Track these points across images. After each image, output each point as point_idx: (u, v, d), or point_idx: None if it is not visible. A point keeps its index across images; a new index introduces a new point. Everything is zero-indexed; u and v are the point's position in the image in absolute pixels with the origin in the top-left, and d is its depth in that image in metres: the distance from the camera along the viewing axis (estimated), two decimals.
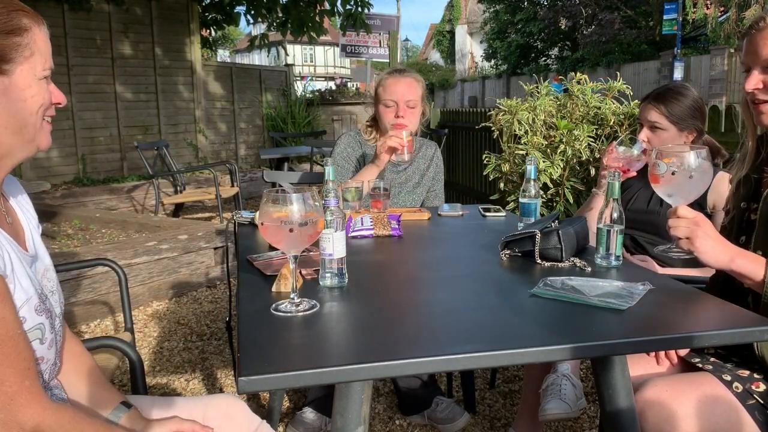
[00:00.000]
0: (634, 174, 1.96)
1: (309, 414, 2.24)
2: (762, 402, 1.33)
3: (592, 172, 3.13)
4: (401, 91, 2.32)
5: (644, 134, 2.05)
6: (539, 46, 27.00)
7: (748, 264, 1.29)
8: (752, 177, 1.46)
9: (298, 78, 18.48)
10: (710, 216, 1.99)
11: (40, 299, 1.07)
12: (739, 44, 1.42)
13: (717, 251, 1.28)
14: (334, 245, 1.31)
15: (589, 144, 3.17)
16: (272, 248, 1.62)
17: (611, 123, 3.18)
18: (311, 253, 1.57)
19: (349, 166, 2.43)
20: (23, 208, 1.18)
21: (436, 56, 42.44)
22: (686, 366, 1.53)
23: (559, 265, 1.51)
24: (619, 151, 1.94)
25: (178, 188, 6.22)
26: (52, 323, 1.10)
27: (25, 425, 0.91)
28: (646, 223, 2.08)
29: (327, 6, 7.93)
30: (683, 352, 1.54)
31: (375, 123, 2.46)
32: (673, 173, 1.29)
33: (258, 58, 32.55)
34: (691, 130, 2.03)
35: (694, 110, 2.02)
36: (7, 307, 0.94)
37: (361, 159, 2.43)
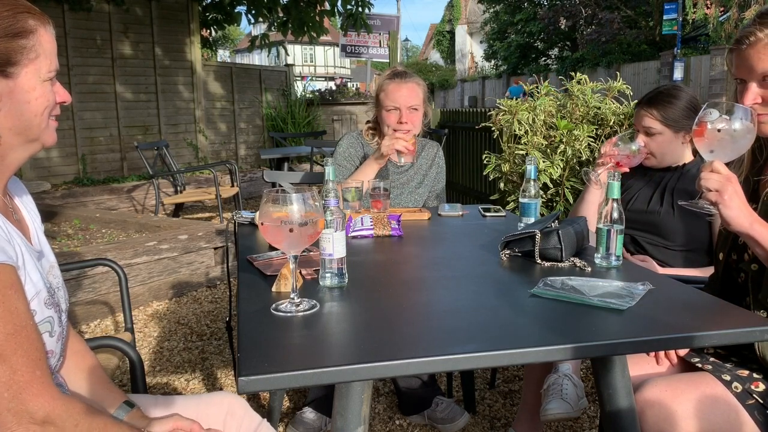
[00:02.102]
0: (627, 170, 1.98)
1: (309, 414, 2.24)
2: (761, 402, 1.33)
3: None
4: (404, 97, 2.32)
5: (641, 139, 2.05)
6: (539, 46, 27.00)
7: (765, 232, 1.29)
8: (751, 179, 1.46)
9: (299, 78, 18.46)
10: (711, 217, 1.99)
11: (49, 293, 1.08)
12: (728, 57, 1.42)
13: (741, 211, 1.29)
14: (334, 245, 1.31)
15: (589, 144, 3.17)
16: (272, 248, 1.62)
17: (611, 123, 3.18)
18: (311, 253, 1.57)
19: (350, 166, 2.43)
20: (27, 207, 1.19)
21: (436, 56, 42.45)
22: (686, 366, 1.53)
23: (559, 265, 1.51)
24: (619, 145, 1.96)
25: (178, 188, 6.22)
26: (60, 317, 1.11)
27: (35, 414, 0.92)
28: (646, 223, 2.08)
29: (327, 6, 7.93)
30: (683, 352, 1.55)
31: (376, 125, 2.46)
32: (718, 130, 1.28)
33: (258, 58, 32.57)
34: (687, 131, 2.03)
35: (688, 110, 2.01)
36: (20, 298, 0.95)
37: (362, 159, 2.44)
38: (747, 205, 1.30)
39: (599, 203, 2.05)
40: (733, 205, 1.28)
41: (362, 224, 1.86)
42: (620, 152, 1.96)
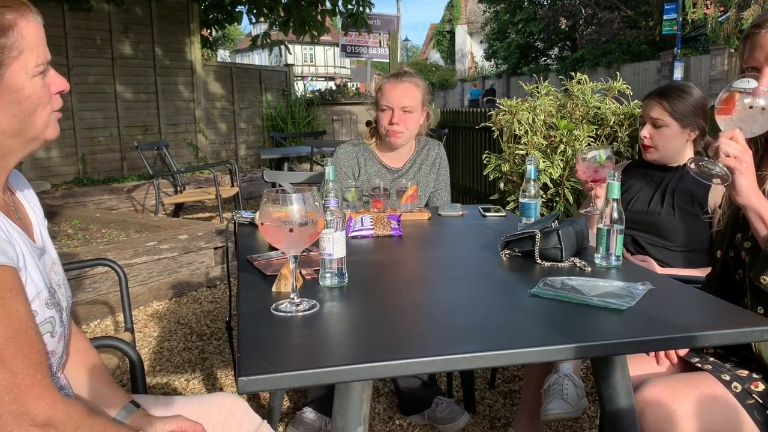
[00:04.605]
0: (604, 181, 1.87)
1: (309, 414, 2.24)
2: (761, 402, 1.33)
3: None
4: (397, 96, 2.28)
5: (647, 131, 2.05)
6: (539, 46, 27.02)
7: None
8: None
9: (299, 78, 18.47)
10: (710, 217, 1.99)
11: (50, 293, 1.07)
12: (740, 45, 1.41)
13: (754, 183, 1.29)
14: (334, 245, 1.31)
15: (589, 144, 3.17)
16: (272, 248, 1.62)
17: (611, 123, 3.18)
18: (311, 253, 1.57)
19: (342, 176, 2.40)
20: (30, 201, 1.17)
21: (436, 56, 42.47)
22: (686, 366, 1.53)
23: (559, 265, 1.51)
24: (587, 158, 1.88)
25: (178, 188, 6.22)
26: (62, 316, 1.10)
27: (36, 418, 0.91)
28: (646, 223, 2.08)
29: (328, 5, 7.93)
30: (683, 351, 1.55)
31: (377, 125, 2.45)
32: (750, 107, 1.26)
33: (258, 58, 32.58)
34: (693, 128, 2.04)
35: (697, 108, 2.02)
36: (21, 301, 0.94)
37: (356, 170, 2.42)
38: (756, 180, 1.31)
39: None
40: (749, 175, 1.28)
41: (362, 224, 1.86)
42: (589, 170, 1.87)
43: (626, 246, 2.09)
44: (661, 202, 2.06)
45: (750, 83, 1.27)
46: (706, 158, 1.32)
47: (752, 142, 1.45)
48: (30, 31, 0.98)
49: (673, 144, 2.04)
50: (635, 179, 2.15)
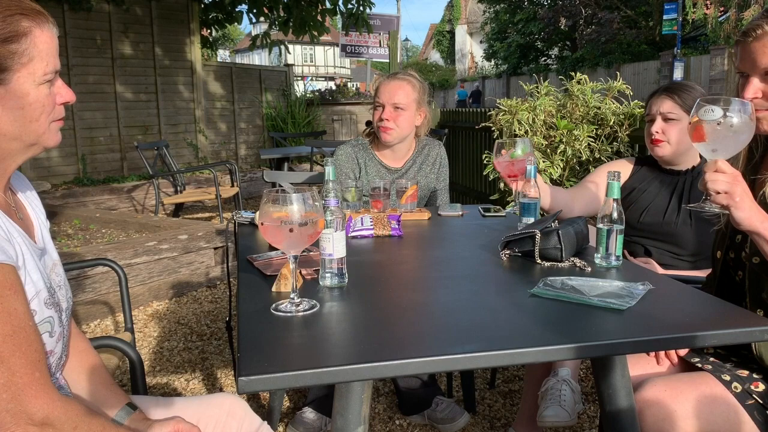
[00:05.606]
0: (522, 175, 1.85)
1: (309, 414, 2.24)
2: (761, 402, 1.33)
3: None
4: (388, 92, 2.29)
5: (658, 126, 2.03)
6: (539, 46, 27.05)
7: None
8: (748, 177, 1.46)
9: (299, 78, 18.47)
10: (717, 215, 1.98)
11: (50, 293, 1.07)
12: (734, 50, 1.40)
13: (752, 211, 1.24)
14: (334, 245, 1.31)
15: (589, 144, 3.17)
16: (272, 248, 1.62)
17: (611, 123, 3.18)
18: (311, 253, 1.57)
19: (342, 177, 2.41)
20: (32, 203, 1.18)
21: (436, 56, 42.48)
22: (686, 366, 1.53)
23: (559, 265, 1.51)
24: (501, 153, 1.84)
25: (178, 188, 6.21)
26: (61, 317, 1.11)
27: (34, 416, 0.91)
28: (662, 233, 2.04)
29: (328, 5, 7.92)
30: (683, 352, 1.55)
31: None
32: (718, 124, 1.22)
33: (258, 58, 32.60)
34: None
35: None
36: (19, 299, 0.94)
37: (356, 171, 2.42)
38: (755, 202, 1.27)
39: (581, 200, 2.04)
40: (745, 206, 1.23)
41: (362, 224, 1.86)
42: (503, 163, 1.83)
43: (637, 255, 2.08)
44: (677, 210, 2.03)
45: (715, 113, 1.22)
46: (702, 201, 1.28)
47: (752, 142, 1.44)
48: (43, 41, 1.00)
49: (685, 138, 2.02)
50: (646, 183, 2.10)
